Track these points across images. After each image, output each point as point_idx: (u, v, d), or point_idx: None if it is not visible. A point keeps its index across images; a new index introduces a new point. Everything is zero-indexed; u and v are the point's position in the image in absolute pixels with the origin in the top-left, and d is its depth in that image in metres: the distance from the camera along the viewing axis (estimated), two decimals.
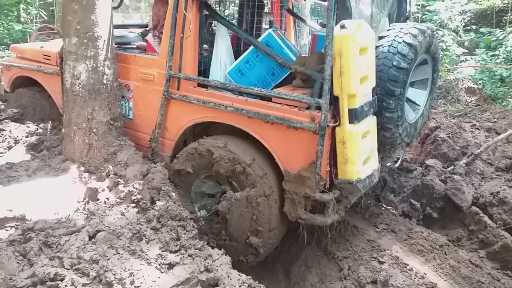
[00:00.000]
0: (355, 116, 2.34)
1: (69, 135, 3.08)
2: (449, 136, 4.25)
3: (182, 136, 3.08)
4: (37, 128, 3.56)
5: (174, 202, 2.58)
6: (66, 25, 3.00)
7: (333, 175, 2.49)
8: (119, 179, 2.78)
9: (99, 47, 3.00)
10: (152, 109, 3.16)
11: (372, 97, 2.49)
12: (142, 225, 2.37)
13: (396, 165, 3.75)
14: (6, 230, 2.41)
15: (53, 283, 1.88)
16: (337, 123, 2.38)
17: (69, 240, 2.24)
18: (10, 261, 2.04)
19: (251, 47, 2.96)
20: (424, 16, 10.52)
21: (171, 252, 2.16)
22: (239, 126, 2.77)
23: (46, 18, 11.28)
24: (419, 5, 10.42)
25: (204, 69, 3.13)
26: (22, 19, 11.93)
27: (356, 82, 2.32)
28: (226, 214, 2.75)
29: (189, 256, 2.11)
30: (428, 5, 10.63)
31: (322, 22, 4.59)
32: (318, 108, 2.44)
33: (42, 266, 1.97)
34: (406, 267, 2.74)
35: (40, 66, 3.84)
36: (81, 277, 1.95)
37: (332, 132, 2.41)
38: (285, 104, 2.60)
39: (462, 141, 4.28)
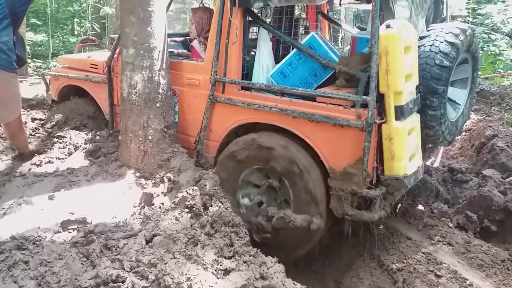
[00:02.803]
0: (401, 112, 2.41)
1: (125, 142, 3.21)
2: (508, 145, 4.03)
3: (226, 137, 3.17)
4: (95, 135, 3.73)
5: (226, 209, 2.61)
6: (124, 37, 3.14)
7: (379, 172, 2.54)
8: (173, 185, 2.86)
9: (155, 57, 3.11)
10: (197, 112, 3.27)
11: (416, 95, 2.56)
12: (197, 230, 2.42)
13: (435, 164, 3.69)
14: (69, 232, 2.53)
15: (115, 284, 1.95)
16: (383, 120, 2.45)
17: (127, 243, 2.31)
18: (74, 262, 2.12)
19: (294, 50, 3.06)
20: (475, 20, 10.12)
21: (225, 258, 2.19)
22: (284, 126, 2.84)
23: (98, 30, 11.88)
24: (469, 8, 10.04)
25: (246, 73, 3.24)
26: (76, 32, 12.64)
27: (402, 80, 2.39)
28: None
29: (244, 262, 2.12)
30: (479, 8, 10.22)
31: (360, 26, 4.57)
32: (364, 106, 2.52)
33: (105, 268, 2.04)
34: (465, 282, 2.61)
35: (88, 75, 4.01)
36: (140, 280, 2.01)
37: (378, 129, 2.47)
38: (330, 103, 2.67)
39: None
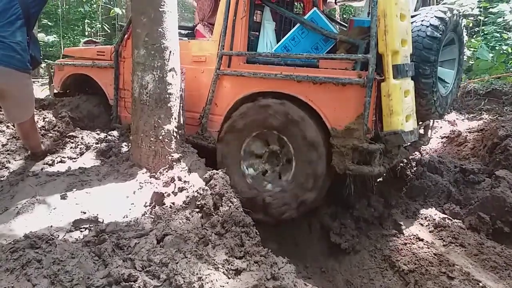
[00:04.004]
0: (398, 71, 2.67)
1: (136, 142, 3.22)
2: None
3: (230, 111, 3.33)
4: (106, 135, 3.76)
5: (236, 208, 2.61)
6: (135, 38, 3.16)
7: (378, 129, 2.78)
8: (183, 185, 2.86)
9: (166, 57, 3.12)
10: (202, 87, 3.47)
11: (410, 62, 2.83)
12: (207, 230, 2.42)
13: (427, 144, 4.00)
14: (81, 231, 2.55)
15: (127, 283, 1.95)
16: (382, 78, 2.70)
17: (139, 242, 2.32)
18: (87, 261, 2.13)
19: (297, 25, 3.29)
20: (486, 19, 9.99)
21: (236, 258, 2.18)
22: (288, 92, 3.04)
23: (108, 31, 11.95)
24: (481, 7, 9.91)
25: (250, 51, 3.46)
26: (86, 33, 12.75)
27: (398, 40, 2.67)
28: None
29: (255, 262, 2.12)
30: (491, 7, 10.10)
31: (354, 16, 4.70)
32: (363, 68, 2.77)
33: (117, 267, 2.04)
34: (478, 284, 2.58)
35: (94, 62, 4.20)
36: (152, 279, 2.01)
37: (377, 88, 2.72)
38: (332, 68, 2.92)
39: None
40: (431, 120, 3.88)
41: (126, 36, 3.93)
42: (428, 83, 2.92)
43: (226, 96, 3.36)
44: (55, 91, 4.71)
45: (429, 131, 4.00)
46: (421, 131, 3.78)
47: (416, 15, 2.98)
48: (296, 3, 4.60)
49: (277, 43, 3.41)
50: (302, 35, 3.22)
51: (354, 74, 2.80)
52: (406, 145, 3.20)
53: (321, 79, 2.88)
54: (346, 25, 4.37)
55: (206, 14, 3.96)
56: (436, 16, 2.89)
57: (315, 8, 3.35)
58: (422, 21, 2.90)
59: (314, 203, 3.11)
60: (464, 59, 3.79)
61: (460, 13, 3.17)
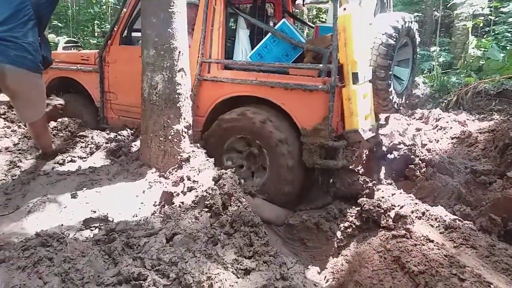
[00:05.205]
0: (357, 78, 3.01)
1: (146, 142, 3.24)
2: None
3: (211, 113, 3.62)
4: (116, 135, 3.79)
5: (245, 208, 2.61)
6: (145, 38, 3.18)
7: (341, 128, 3.16)
8: (192, 184, 2.87)
9: (175, 58, 3.14)
10: None
11: (368, 67, 3.15)
12: (216, 229, 2.43)
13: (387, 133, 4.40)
14: (91, 230, 2.57)
15: (136, 282, 1.97)
16: (343, 84, 3.06)
17: (148, 241, 2.33)
18: (97, 259, 2.14)
19: (269, 34, 3.59)
20: (497, 18, 9.88)
21: (245, 257, 2.18)
22: (263, 96, 3.36)
23: None
24: (491, 7, 9.80)
25: (227, 58, 3.76)
26: (96, 34, 12.85)
27: (357, 52, 2.99)
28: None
29: (264, 262, 2.12)
30: (501, 7, 9.99)
31: (321, 20, 5.38)
32: (327, 75, 3.09)
33: (127, 266, 2.06)
34: (490, 286, 2.54)
35: (79, 67, 4.37)
36: (161, 278, 2.02)
37: (339, 93, 3.07)
38: (300, 75, 3.24)
39: None
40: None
41: (109, 42, 4.15)
42: (384, 84, 3.26)
43: (207, 99, 3.62)
44: None
45: (389, 121, 4.35)
46: (383, 121, 4.18)
47: (372, 23, 3.26)
48: (267, 4, 4.90)
49: (251, 48, 3.73)
50: (274, 43, 3.55)
51: (319, 81, 3.13)
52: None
53: (291, 86, 3.20)
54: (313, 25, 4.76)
55: (190, 22, 4.08)
56: (390, 25, 3.19)
57: (283, 20, 3.68)
58: (378, 29, 3.19)
59: (289, 194, 3.41)
60: (418, 58, 4.23)
61: (412, 19, 3.50)
